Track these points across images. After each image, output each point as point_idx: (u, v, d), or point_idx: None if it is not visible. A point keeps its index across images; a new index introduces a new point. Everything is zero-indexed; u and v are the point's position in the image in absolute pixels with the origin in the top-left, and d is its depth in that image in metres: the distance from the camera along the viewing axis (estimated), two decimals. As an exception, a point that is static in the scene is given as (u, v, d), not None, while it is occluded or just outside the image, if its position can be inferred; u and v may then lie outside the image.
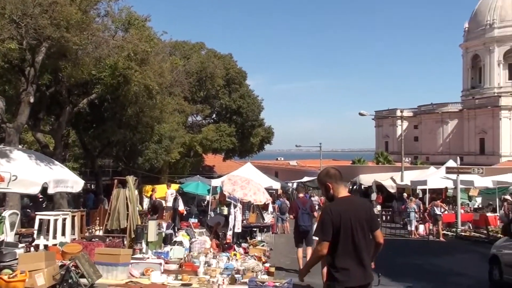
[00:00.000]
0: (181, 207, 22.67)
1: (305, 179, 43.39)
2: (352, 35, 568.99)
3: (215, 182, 25.89)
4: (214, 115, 42.03)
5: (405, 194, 28.55)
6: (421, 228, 23.71)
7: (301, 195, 13.86)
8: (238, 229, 15.21)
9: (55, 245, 12.23)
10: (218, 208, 22.47)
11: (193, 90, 35.21)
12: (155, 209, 20.51)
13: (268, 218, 22.62)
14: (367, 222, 4.82)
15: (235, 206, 15.02)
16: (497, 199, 25.80)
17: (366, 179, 34.86)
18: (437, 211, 22.59)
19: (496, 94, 77.45)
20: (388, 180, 32.84)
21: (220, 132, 38.69)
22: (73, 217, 13.71)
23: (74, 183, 12.66)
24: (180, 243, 14.10)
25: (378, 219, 26.47)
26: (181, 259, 12.13)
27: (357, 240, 4.70)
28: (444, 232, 23.41)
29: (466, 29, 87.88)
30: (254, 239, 16.97)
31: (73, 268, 9.23)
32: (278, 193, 29.59)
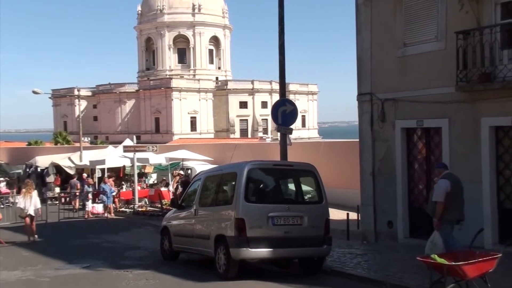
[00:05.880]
0: None
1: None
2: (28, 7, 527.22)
3: None
4: None
5: (85, 175, 28.37)
6: (100, 207, 23.90)
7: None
8: None
9: None
10: None
11: None
12: None
13: None
14: None
15: None
16: (170, 174, 27.97)
17: (43, 161, 33.39)
18: (106, 189, 23.13)
19: (168, 76, 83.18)
20: (66, 160, 32.08)
21: None
22: None
23: None
24: None
25: (57, 202, 25.64)
26: None
27: None
28: (123, 209, 24.24)
29: (139, 12, 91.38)
30: None
31: None
32: None
